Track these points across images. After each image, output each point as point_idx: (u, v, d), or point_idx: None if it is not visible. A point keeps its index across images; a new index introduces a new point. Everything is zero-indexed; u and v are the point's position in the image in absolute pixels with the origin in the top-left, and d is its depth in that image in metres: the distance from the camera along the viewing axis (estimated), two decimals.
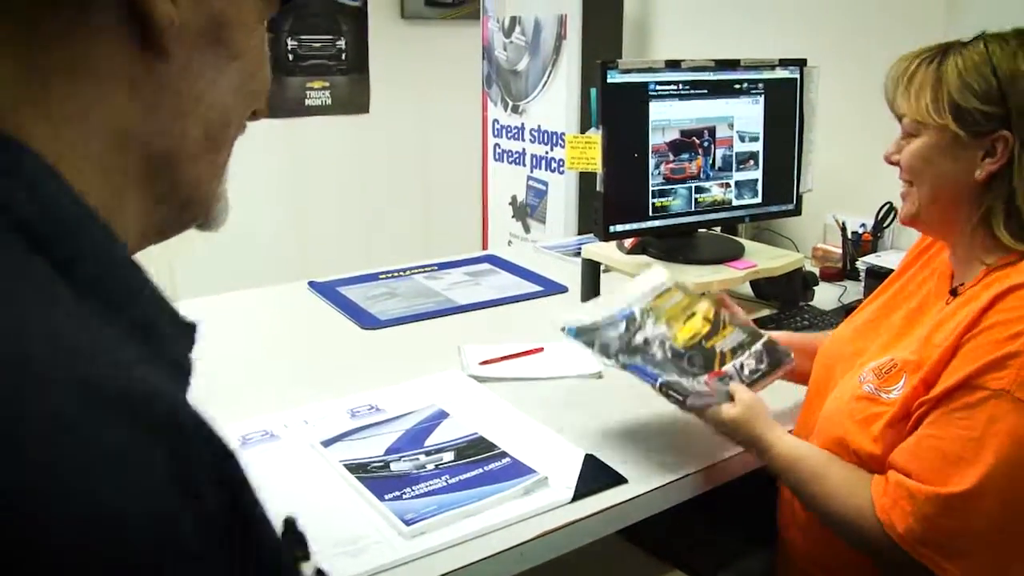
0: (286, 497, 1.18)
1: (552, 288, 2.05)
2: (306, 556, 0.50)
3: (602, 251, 1.87)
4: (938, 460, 1.00)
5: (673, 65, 1.71)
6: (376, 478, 1.22)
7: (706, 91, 1.75)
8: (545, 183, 2.75)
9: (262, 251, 4.10)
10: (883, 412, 1.08)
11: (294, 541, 0.50)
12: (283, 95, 4.10)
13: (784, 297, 1.87)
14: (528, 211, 2.81)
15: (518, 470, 1.23)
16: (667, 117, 1.71)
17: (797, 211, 1.94)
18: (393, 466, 1.26)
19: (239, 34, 0.51)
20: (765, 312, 1.87)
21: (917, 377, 1.06)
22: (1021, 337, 0.98)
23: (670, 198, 1.75)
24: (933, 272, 1.24)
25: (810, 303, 1.90)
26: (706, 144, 1.77)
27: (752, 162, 1.84)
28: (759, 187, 1.87)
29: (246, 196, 3.96)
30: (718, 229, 2.15)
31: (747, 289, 1.99)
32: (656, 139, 1.71)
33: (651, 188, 1.73)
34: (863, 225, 2.13)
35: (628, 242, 1.84)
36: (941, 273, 1.21)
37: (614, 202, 1.70)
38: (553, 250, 2.36)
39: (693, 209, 1.79)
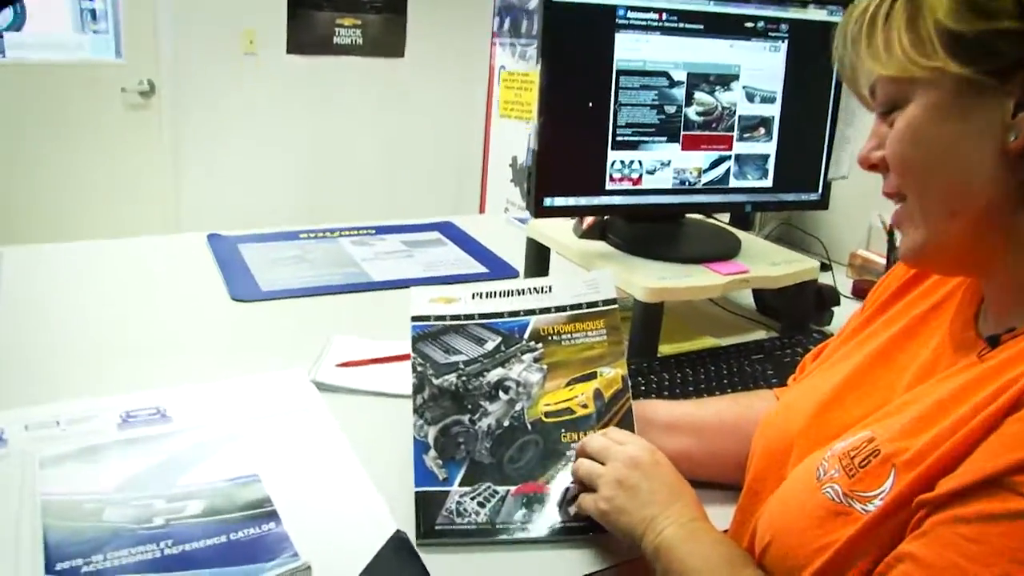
0: None
1: (500, 271, 1.61)
2: None
3: (549, 229, 1.41)
4: None
5: None
6: (69, 530, 0.81)
7: (702, 27, 1.26)
8: None
9: (271, 191, 3.77)
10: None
11: None
12: (309, 30, 3.72)
13: (789, 316, 1.38)
14: (527, 175, 2.35)
15: (276, 546, 0.80)
16: (640, 57, 1.23)
17: (823, 203, 1.44)
18: (108, 512, 0.85)
19: None
20: (760, 334, 1.39)
21: (919, 470, 0.60)
22: None
23: (635, 168, 1.28)
24: (943, 304, 0.77)
25: (824, 327, 1.40)
26: (696, 99, 1.29)
27: (763, 131, 1.35)
28: (770, 166, 1.38)
29: (261, 131, 3.60)
30: (726, 219, 1.66)
31: (748, 299, 1.51)
32: (625, 84, 1.23)
33: (610, 152, 1.26)
34: None
35: (587, 221, 1.37)
36: (960, 306, 0.74)
37: (552, 166, 1.24)
38: (525, 222, 1.90)
39: (670, 187, 1.31)
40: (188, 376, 1.13)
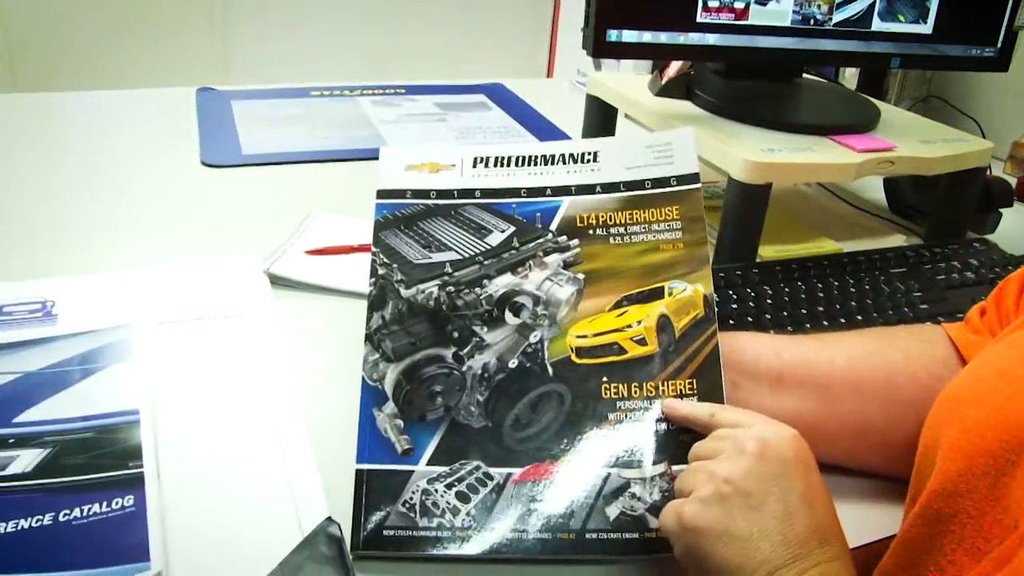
0: None
1: (551, 140, 1.25)
2: None
3: (615, 83, 1.04)
4: None
5: None
6: None
7: None
8: None
9: (330, 51, 3.42)
10: None
11: None
12: None
13: (940, 217, 1.00)
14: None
15: (122, 538, 0.50)
16: None
17: (1001, 62, 1.04)
18: None
19: None
20: (897, 240, 1.02)
21: None
22: None
23: None
24: None
25: (987, 235, 1.02)
26: None
27: None
28: (931, 4, 0.97)
29: None
30: (854, 79, 1.27)
31: (878, 194, 1.13)
32: None
33: None
34: None
35: (672, 70, 1.00)
36: None
37: None
38: None
39: (788, 25, 0.93)
40: (106, 261, 0.83)
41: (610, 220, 0.60)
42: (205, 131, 1.18)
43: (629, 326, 0.56)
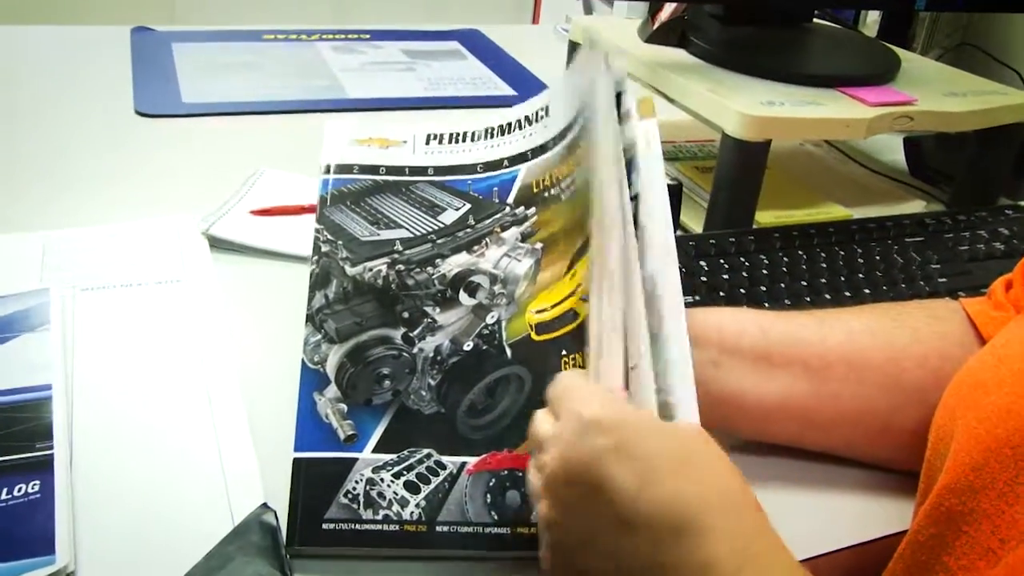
0: None
1: (531, 94, 1.24)
2: None
3: (604, 30, 1.03)
4: None
5: None
6: None
7: None
8: None
9: None
10: None
11: None
12: None
13: (968, 182, 1.00)
14: None
15: (24, 529, 0.50)
16: None
17: None
18: None
19: None
20: (916, 206, 1.02)
21: None
22: None
23: None
24: None
25: (1020, 201, 1.02)
26: None
27: None
28: None
29: None
30: (875, 26, 1.27)
31: (897, 155, 1.13)
32: None
33: None
34: None
35: (666, 13, 0.99)
36: None
37: None
38: None
39: None
40: (22, 220, 0.82)
41: (561, 175, 0.60)
42: (140, 76, 1.17)
43: (580, 285, 0.55)
